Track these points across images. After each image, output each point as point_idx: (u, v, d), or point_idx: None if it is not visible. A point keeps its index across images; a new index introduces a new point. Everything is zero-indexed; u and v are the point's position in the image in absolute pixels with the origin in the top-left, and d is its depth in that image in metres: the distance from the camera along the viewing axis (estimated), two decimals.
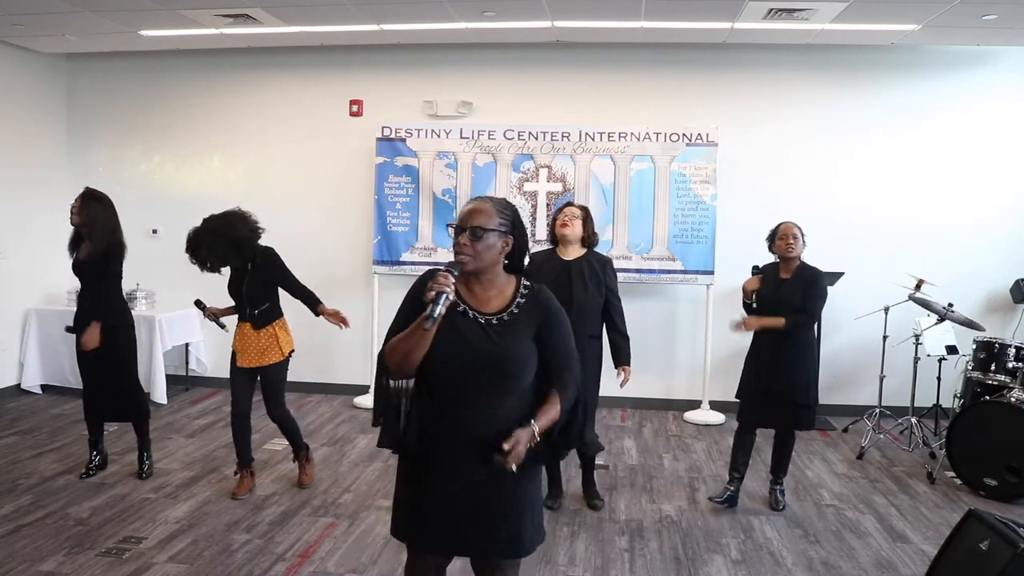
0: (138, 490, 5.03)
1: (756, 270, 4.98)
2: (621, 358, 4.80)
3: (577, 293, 4.59)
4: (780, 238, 4.80)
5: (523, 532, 2.55)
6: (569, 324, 2.59)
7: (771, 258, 4.95)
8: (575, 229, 4.71)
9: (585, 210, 4.85)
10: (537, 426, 2.39)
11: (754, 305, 4.86)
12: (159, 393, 7.09)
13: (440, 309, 2.26)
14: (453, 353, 2.39)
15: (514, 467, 2.31)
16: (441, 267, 2.37)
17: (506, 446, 2.29)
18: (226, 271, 4.95)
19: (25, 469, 5.38)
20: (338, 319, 4.94)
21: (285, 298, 5.02)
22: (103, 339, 5.04)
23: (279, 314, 5.01)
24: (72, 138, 8.09)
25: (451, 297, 2.29)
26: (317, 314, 4.98)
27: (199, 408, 7.19)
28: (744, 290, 4.90)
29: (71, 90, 8.08)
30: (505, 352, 2.41)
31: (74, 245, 5.15)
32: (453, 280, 2.31)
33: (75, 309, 5.24)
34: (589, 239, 4.79)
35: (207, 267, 4.83)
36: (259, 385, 5.04)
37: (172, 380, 7.58)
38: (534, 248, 6.05)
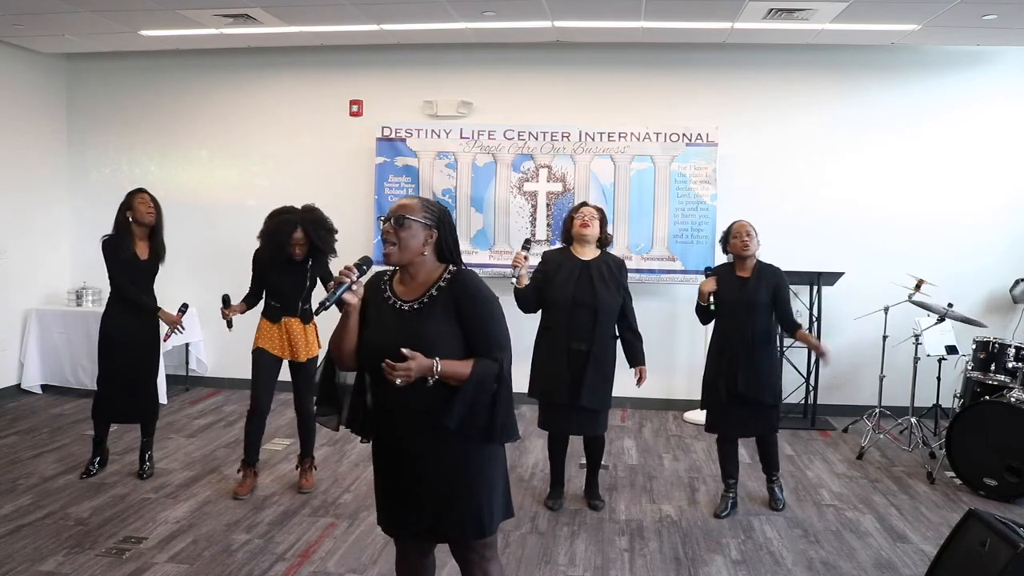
0: (138, 490, 5.03)
1: (709, 271, 4.85)
2: (637, 358, 4.83)
3: (601, 294, 4.61)
4: (734, 236, 4.75)
5: (480, 513, 2.61)
6: (496, 311, 2.63)
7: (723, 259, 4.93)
8: (594, 229, 4.72)
9: (601, 211, 4.86)
10: (440, 364, 2.46)
11: (712, 307, 4.73)
12: (160, 393, 7.05)
13: (334, 299, 2.46)
14: (373, 339, 2.58)
15: (398, 381, 2.39)
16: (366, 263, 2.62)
17: (405, 351, 2.40)
18: (240, 266, 4.96)
19: (25, 469, 5.38)
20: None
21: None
22: (147, 338, 5.15)
23: None
24: (72, 138, 8.09)
25: (355, 288, 2.51)
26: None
27: (199, 408, 7.19)
28: (701, 292, 4.74)
29: (71, 90, 8.07)
30: (414, 333, 2.51)
31: (126, 244, 5.05)
32: (357, 275, 2.51)
33: (111, 311, 5.15)
34: (604, 240, 4.81)
35: (293, 255, 4.83)
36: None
37: (172, 380, 7.59)
38: (539, 248, 6.06)
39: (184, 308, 5.13)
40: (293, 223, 4.80)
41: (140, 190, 5.15)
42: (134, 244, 5.07)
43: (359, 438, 2.73)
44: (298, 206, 4.91)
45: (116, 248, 5.02)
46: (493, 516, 2.65)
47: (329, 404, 2.75)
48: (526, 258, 4.70)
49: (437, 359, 2.45)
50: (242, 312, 5.00)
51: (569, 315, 4.58)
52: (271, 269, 4.92)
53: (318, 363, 5.00)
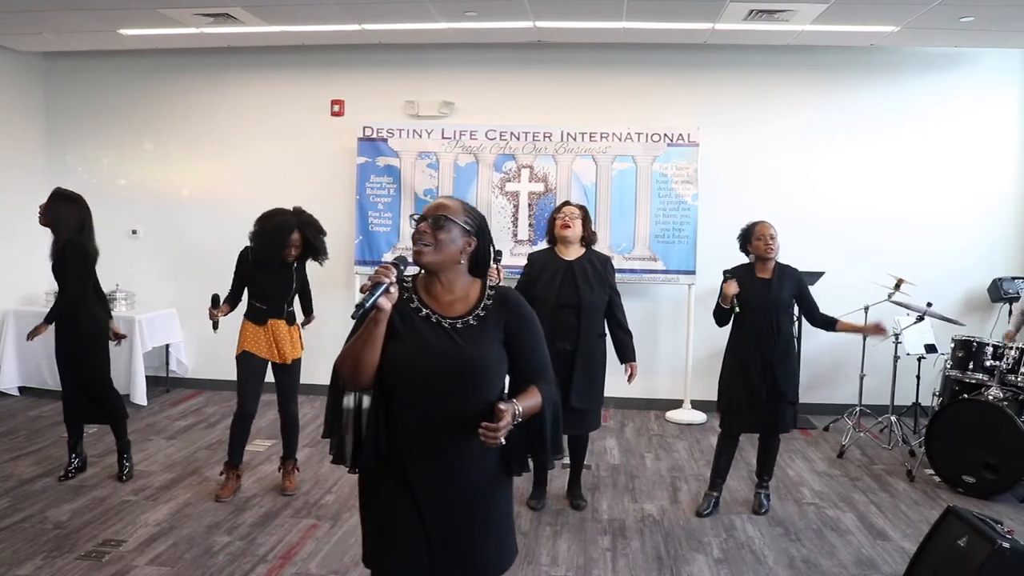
0: (118, 492, 5.00)
1: (728, 274, 4.80)
2: (627, 354, 4.88)
3: (584, 293, 4.62)
4: (758, 238, 4.73)
5: (503, 548, 2.44)
6: (542, 330, 2.44)
7: (741, 259, 4.92)
8: (576, 229, 4.73)
9: (584, 209, 4.86)
10: (518, 405, 2.20)
11: (737, 310, 4.69)
12: (139, 395, 7.02)
13: (373, 300, 2.12)
14: (414, 358, 2.26)
15: (503, 440, 2.10)
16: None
17: (501, 405, 2.13)
18: (219, 267, 5.00)
19: (3, 472, 5.32)
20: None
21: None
22: (75, 344, 5.06)
23: None
24: (50, 139, 8.00)
25: (392, 291, 2.17)
26: (306, 319, 5.38)
27: (179, 410, 7.14)
28: (725, 296, 4.68)
29: (49, 89, 7.99)
30: (469, 355, 2.27)
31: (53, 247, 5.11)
32: (396, 274, 2.19)
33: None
34: (588, 238, 4.80)
35: (286, 257, 4.85)
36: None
37: (152, 381, 7.51)
38: (521, 249, 6.07)
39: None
40: (291, 225, 4.80)
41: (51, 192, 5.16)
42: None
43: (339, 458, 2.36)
44: (288, 208, 4.92)
45: None
46: (511, 552, 2.48)
47: (339, 434, 2.36)
48: (498, 271, 4.73)
49: (515, 401, 2.20)
50: (225, 314, 4.98)
51: (554, 316, 4.58)
52: (259, 271, 4.89)
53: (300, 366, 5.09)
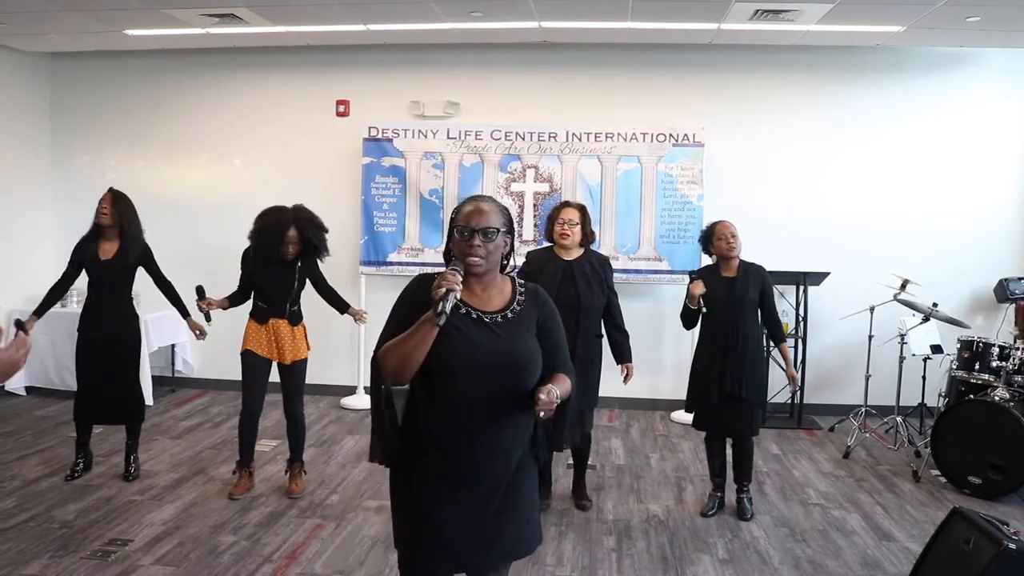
0: (124, 492, 5.00)
1: (694, 275, 4.82)
2: (623, 355, 4.85)
3: (584, 293, 4.61)
4: (719, 238, 4.73)
5: (536, 529, 2.58)
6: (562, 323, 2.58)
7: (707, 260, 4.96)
8: (575, 236, 4.69)
9: (583, 210, 4.82)
10: (558, 389, 2.29)
11: (704, 310, 4.68)
12: (145, 394, 6.99)
13: (449, 306, 2.21)
14: (463, 354, 2.33)
15: (541, 414, 2.23)
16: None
17: (542, 396, 2.22)
18: (226, 267, 4.97)
19: (9, 472, 5.33)
20: (360, 317, 5.24)
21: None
22: (124, 336, 5.16)
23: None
24: (56, 138, 8.02)
25: (458, 295, 2.28)
26: (343, 313, 5.22)
27: (185, 409, 7.15)
28: (691, 296, 4.66)
29: (55, 90, 8.01)
30: (514, 348, 2.38)
31: (88, 245, 5.07)
32: (460, 277, 2.28)
33: (83, 311, 5.17)
34: (587, 238, 4.78)
35: (285, 255, 4.84)
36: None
37: (158, 381, 7.52)
38: (519, 247, 6.06)
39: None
40: (287, 221, 4.79)
41: (108, 190, 5.16)
42: (98, 245, 5.06)
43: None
44: (288, 205, 4.91)
45: (75, 249, 5.13)
46: (538, 529, 2.61)
47: (383, 434, 2.43)
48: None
49: (551, 386, 2.29)
50: (224, 308, 4.99)
51: None
52: (259, 269, 4.91)
53: (307, 366, 5.08)
